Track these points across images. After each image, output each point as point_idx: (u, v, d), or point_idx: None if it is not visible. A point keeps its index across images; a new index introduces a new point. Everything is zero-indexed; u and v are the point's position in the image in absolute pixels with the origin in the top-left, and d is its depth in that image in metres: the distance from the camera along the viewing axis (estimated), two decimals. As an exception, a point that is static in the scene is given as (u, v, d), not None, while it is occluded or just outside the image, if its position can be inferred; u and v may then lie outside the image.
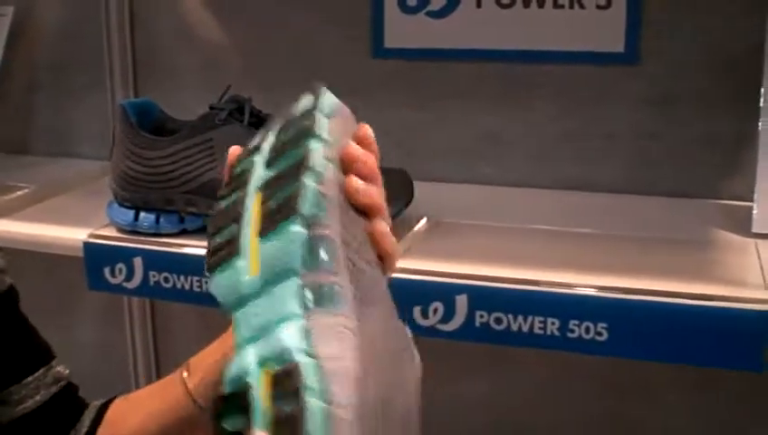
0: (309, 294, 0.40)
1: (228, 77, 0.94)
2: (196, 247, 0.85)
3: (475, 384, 1.14)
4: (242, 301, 0.42)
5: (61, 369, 0.70)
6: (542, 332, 0.72)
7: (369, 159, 0.46)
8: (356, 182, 0.45)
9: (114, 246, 0.88)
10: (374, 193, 0.46)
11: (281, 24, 1.11)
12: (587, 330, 0.71)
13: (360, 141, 0.47)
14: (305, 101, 0.48)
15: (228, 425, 0.38)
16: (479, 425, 1.16)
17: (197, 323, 1.25)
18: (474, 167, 1.07)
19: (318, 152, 0.44)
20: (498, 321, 0.74)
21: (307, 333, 0.38)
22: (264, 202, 0.44)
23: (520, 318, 0.73)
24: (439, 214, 0.92)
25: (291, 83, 0.58)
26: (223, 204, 0.47)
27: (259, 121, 0.85)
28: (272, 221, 0.42)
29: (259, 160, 0.47)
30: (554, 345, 0.72)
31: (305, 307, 0.39)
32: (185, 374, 0.65)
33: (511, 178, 1.06)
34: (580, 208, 0.96)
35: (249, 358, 0.38)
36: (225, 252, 0.44)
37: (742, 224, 0.87)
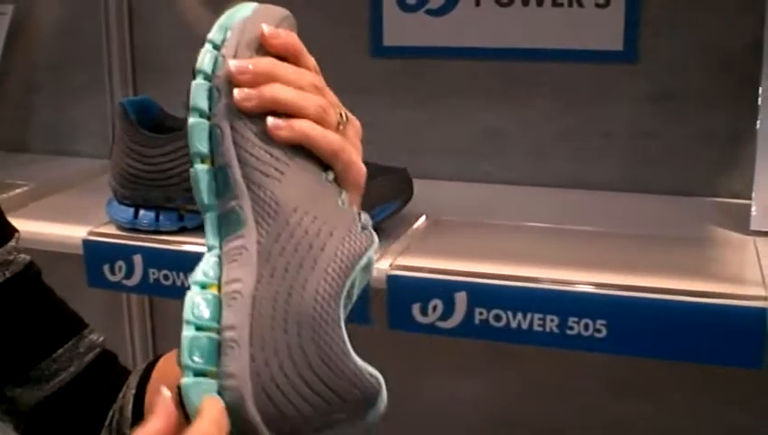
0: (222, 224, 0.46)
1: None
2: (195, 245, 0.85)
3: (474, 381, 1.14)
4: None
5: (94, 337, 0.69)
6: (541, 329, 0.73)
7: (254, 62, 0.48)
8: (230, 65, 0.47)
9: (114, 243, 0.88)
10: (255, 82, 0.47)
11: (279, 23, 1.11)
12: (586, 327, 0.71)
13: (266, 45, 0.49)
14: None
15: None
16: (477, 421, 1.16)
17: (197, 320, 1.25)
18: (472, 165, 1.08)
19: (208, 55, 0.48)
20: (497, 318, 0.74)
21: (218, 262, 0.45)
22: None
23: (519, 315, 0.73)
24: (438, 212, 0.92)
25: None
26: None
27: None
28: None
29: None
30: (553, 342, 0.73)
31: (219, 237, 0.46)
32: None
33: (510, 177, 1.06)
34: (578, 206, 0.97)
35: None
36: None
37: (740, 221, 0.87)
